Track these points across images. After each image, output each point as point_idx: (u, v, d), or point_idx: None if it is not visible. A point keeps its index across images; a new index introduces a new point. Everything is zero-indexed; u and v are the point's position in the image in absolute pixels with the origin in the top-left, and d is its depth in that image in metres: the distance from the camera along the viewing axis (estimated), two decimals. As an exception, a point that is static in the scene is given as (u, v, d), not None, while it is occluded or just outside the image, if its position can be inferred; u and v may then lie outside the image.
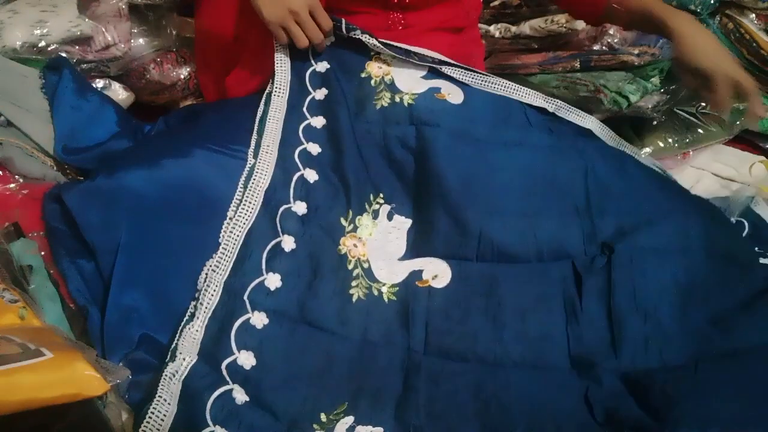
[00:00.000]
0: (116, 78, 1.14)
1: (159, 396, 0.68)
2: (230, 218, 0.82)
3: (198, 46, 1.17)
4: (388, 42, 0.96)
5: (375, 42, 0.94)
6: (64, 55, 1.04)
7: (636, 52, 1.22)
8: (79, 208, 0.79)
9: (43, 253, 0.79)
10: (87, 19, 1.06)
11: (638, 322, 0.78)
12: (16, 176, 0.87)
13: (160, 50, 1.19)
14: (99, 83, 1.11)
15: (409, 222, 0.89)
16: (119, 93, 1.13)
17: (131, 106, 1.16)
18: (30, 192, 0.86)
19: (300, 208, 0.86)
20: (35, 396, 0.55)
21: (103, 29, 1.08)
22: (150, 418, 0.66)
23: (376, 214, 0.88)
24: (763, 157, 1.28)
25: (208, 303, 0.76)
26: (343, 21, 0.93)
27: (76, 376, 0.58)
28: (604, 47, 1.26)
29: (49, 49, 1.02)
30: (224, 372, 0.72)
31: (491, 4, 1.34)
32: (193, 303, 0.77)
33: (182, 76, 1.23)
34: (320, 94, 0.95)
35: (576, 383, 0.74)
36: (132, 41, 1.14)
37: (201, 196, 0.83)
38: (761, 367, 0.73)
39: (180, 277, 0.79)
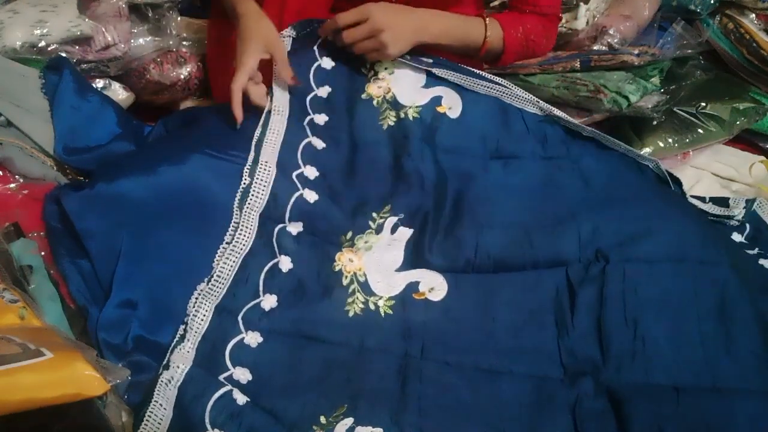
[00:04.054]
0: (116, 78, 1.14)
1: (155, 401, 0.68)
2: (227, 242, 0.82)
3: (210, 47, 1.17)
4: None
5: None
6: (64, 55, 1.03)
7: (636, 52, 1.22)
8: (79, 215, 0.79)
9: (43, 253, 0.79)
10: (87, 19, 1.06)
11: (627, 338, 0.79)
12: (16, 176, 0.87)
13: (160, 50, 1.19)
14: (99, 83, 1.11)
15: (410, 232, 0.89)
16: (119, 93, 1.13)
17: (131, 106, 1.15)
18: (30, 192, 0.86)
19: (296, 227, 0.86)
20: (35, 396, 0.55)
21: (103, 29, 1.08)
22: (147, 422, 0.67)
23: (380, 229, 0.89)
24: (763, 157, 1.28)
25: (197, 328, 0.76)
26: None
27: (76, 376, 0.58)
28: (604, 47, 1.26)
29: (49, 49, 1.02)
30: (222, 379, 0.73)
31: (491, 4, 1.34)
32: (182, 326, 0.76)
33: (182, 76, 1.23)
34: (320, 119, 0.96)
35: (568, 393, 0.75)
36: (132, 41, 1.13)
37: (201, 203, 0.83)
38: (740, 411, 0.73)
39: (180, 283, 0.79)
